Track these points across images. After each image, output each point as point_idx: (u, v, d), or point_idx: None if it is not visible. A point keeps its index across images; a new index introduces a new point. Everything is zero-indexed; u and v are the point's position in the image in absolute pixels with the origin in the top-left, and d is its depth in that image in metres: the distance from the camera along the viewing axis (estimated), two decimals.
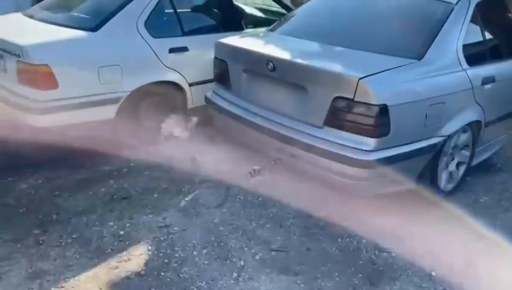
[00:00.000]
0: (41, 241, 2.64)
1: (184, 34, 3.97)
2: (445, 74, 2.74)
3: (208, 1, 4.47)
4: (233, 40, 3.14)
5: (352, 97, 2.46)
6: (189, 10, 4.31)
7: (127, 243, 2.65)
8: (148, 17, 3.74)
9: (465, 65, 2.85)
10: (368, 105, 2.41)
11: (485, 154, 3.41)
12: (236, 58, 3.06)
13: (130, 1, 3.71)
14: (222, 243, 2.64)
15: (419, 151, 2.66)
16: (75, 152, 3.59)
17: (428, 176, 2.88)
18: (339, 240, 2.70)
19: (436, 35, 2.78)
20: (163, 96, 3.93)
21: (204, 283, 2.33)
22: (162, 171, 3.50)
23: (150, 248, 2.60)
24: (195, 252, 2.56)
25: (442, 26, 2.83)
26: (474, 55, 2.99)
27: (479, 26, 3.05)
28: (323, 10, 3.35)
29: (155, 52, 3.74)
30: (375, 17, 3.09)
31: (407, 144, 2.62)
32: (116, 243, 2.64)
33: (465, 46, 2.87)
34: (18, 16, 3.96)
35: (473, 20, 3.01)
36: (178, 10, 4.03)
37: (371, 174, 2.54)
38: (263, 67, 2.82)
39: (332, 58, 2.77)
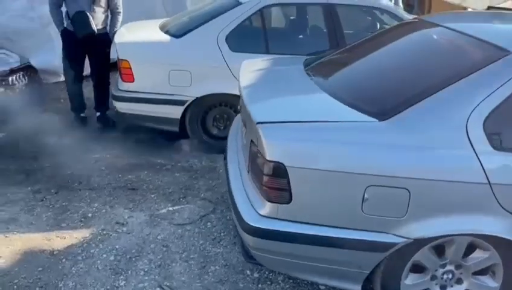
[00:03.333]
0: (43, 199, 3.19)
1: (269, 51, 3.87)
2: (422, 150, 1.82)
3: (305, 23, 4.18)
4: (251, 62, 2.89)
5: (256, 144, 1.97)
6: (283, 29, 4.15)
7: (81, 225, 2.91)
8: (232, 31, 3.83)
9: (482, 147, 1.81)
10: (263, 158, 1.89)
11: None
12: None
13: (217, 16, 3.89)
14: (133, 259, 2.58)
15: (351, 244, 1.89)
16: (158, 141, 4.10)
17: (387, 288, 2.00)
18: None
19: (434, 93, 1.87)
20: (234, 109, 3.97)
21: (73, 283, 2.37)
22: (190, 178, 3.60)
23: (87, 236, 2.78)
24: (104, 255, 2.60)
25: (458, 80, 1.88)
26: None
27: None
28: (354, 53, 2.69)
29: (228, 64, 3.80)
30: (392, 61, 2.30)
31: (329, 226, 1.90)
32: (75, 222, 2.94)
33: (495, 120, 1.82)
34: (152, 22, 4.62)
35: None
36: (268, 28, 3.98)
37: (263, 246, 1.98)
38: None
39: (281, 100, 2.23)
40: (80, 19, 3.99)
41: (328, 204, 1.88)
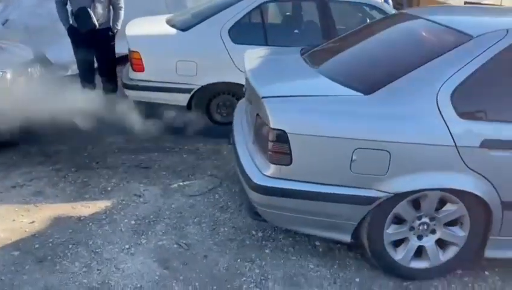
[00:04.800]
0: (65, 176, 3.53)
1: (268, 44, 4.22)
2: (400, 118, 2.20)
3: (301, 17, 4.55)
4: (253, 51, 3.24)
5: (261, 116, 2.34)
6: (281, 23, 4.51)
7: (102, 196, 3.26)
8: (234, 25, 4.18)
9: (449, 115, 2.18)
10: (268, 127, 2.25)
11: None
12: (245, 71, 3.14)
13: (220, 11, 4.24)
14: (152, 223, 2.93)
15: (341, 198, 2.26)
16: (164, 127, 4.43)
17: (371, 237, 2.38)
18: (238, 260, 2.59)
19: (410, 71, 2.25)
20: (236, 97, 4.32)
21: (101, 241, 2.72)
22: (197, 158, 3.96)
23: (108, 205, 3.13)
24: (126, 220, 2.96)
25: (429, 61, 2.25)
26: (479, 107, 2.24)
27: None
28: (343, 42, 3.06)
29: (231, 56, 4.15)
30: (377, 46, 2.68)
31: (323, 184, 2.27)
32: (97, 194, 3.29)
33: (460, 93, 2.19)
34: (158, 18, 4.95)
35: (503, 63, 2.24)
36: (267, 22, 4.36)
37: (268, 202, 2.34)
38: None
39: (282, 79, 2.60)
40: (82, 14, 4.26)
41: (323, 165, 2.25)
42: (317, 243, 2.76)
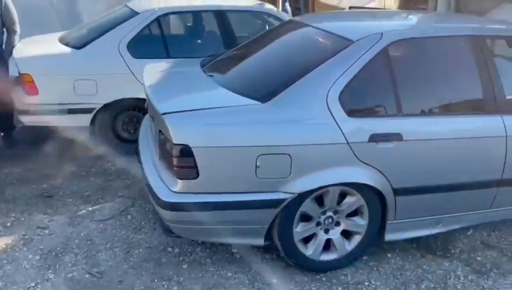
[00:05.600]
0: None
1: (169, 56, 4.18)
2: (296, 122, 2.32)
3: (200, 28, 4.61)
4: (153, 66, 3.21)
5: (164, 132, 2.33)
6: (181, 35, 4.53)
7: (1, 233, 3.00)
8: (132, 39, 4.09)
9: (339, 115, 2.35)
10: (171, 143, 2.25)
11: (414, 231, 2.70)
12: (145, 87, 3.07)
13: (116, 26, 4.13)
14: (59, 255, 2.77)
15: (250, 204, 2.32)
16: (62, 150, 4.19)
17: (282, 237, 2.47)
18: (155, 280, 2.55)
19: (301, 77, 2.39)
20: (142, 112, 4.21)
21: (2, 283, 2.51)
22: (105, 180, 3.80)
23: (9, 242, 2.89)
24: (30, 256, 2.76)
25: (318, 66, 2.41)
26: (363, 105, 2.45)
27: (389, 72, 2.47)
28: (240, 52, 3.16)
29: (132, 71, 4.04)
30: (270, 55, 2.81)
31: (231, 193, 2.32)
32: None
33: (346, 94, 2.37)
34: (49, 36, 4.69)
35: (380, 64, 2.47)
36: (167, 35, 4.32)
37: (179, 218, 2.34)
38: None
39: (182, 93, 2.63)
40: None
41: (229, 174, 2.30)
42: (234, 250, 2.80)
